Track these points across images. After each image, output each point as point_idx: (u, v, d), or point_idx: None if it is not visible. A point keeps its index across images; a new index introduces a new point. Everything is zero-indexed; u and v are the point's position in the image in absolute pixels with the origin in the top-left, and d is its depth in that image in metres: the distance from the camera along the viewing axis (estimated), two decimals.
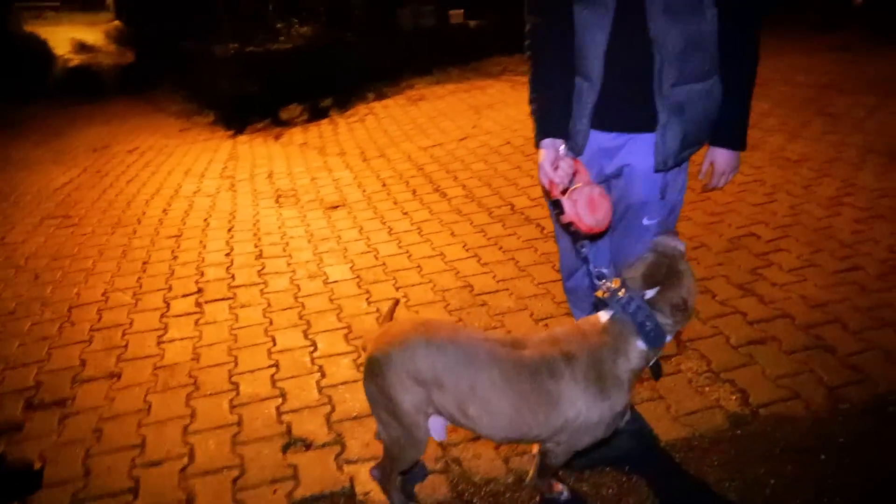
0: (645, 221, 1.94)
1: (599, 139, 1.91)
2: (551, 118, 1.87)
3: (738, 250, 3.50)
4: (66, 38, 15.70)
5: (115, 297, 3.50)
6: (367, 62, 8.77)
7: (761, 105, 5.82)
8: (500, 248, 3.75)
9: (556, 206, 1.77)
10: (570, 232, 1.87)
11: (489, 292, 3.26)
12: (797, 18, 9.62)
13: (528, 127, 5.76)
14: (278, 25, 9.12)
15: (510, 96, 7.15)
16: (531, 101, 1.93)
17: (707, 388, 2.44)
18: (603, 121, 1.88)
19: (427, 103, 7.34)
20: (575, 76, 1.87)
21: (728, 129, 1.88)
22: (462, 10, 9.79)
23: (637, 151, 1.88)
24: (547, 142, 1.84)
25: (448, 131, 6.16)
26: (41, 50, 13.70)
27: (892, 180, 4.26)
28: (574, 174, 1.83)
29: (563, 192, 1.77)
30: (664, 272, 1.64)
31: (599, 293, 1.70)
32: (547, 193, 1.84)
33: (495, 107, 6.75)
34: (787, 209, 3.94)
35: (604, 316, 1.68)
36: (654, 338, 1.60)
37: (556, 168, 1.80)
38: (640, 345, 1.62)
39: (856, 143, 4.94)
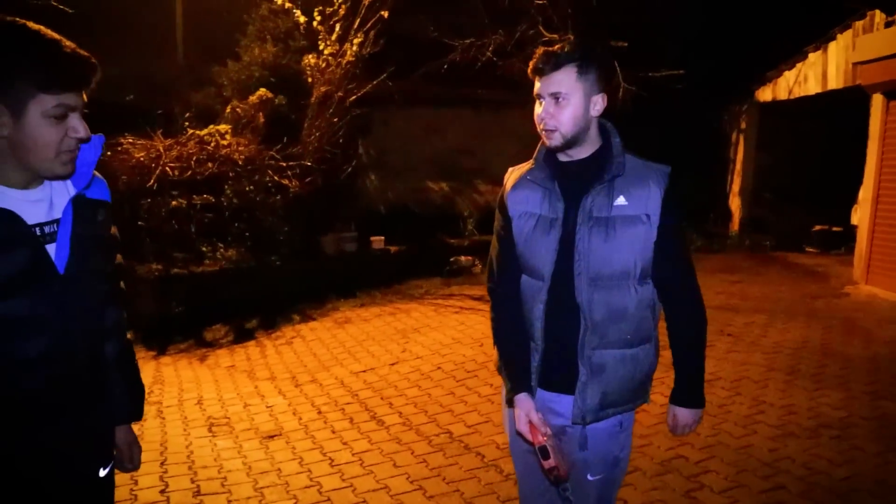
0: (589, 477, 2.13)
1: (545, 398, 2.16)
2: (521, 375, 2.13)
3: (670, 473, 3.72)
4: None
5: None
6: (293, 285, 9.08)
7: None
8: (444, 479, 3.81)
9: (542, 453, 1.97)
10: (552, 477, 2.05)
11: None
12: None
13: (456, 352, 6.09)
14: (203, 248, 9.40)
15: (434, 320, 7.51)
16: (499, 358, 2.21)
17: None
18: (545, 380, 2.14)
19: (354, 326, 7.58)
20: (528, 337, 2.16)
21: (679, 389, 2.18)
22: (383, 237, 10.46)
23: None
24: (522, 396, 2.08)
25: (378, 355, 6.35)
26: None
27: (795, 397, 4.72)
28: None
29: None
30: None
31: None
32: (529, 441, 2.04)
33: (422, 331, 7.06)
34: (709, 429, 4.25)
35: None
36: None
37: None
38: None
39: (757, 361, 5.48)
